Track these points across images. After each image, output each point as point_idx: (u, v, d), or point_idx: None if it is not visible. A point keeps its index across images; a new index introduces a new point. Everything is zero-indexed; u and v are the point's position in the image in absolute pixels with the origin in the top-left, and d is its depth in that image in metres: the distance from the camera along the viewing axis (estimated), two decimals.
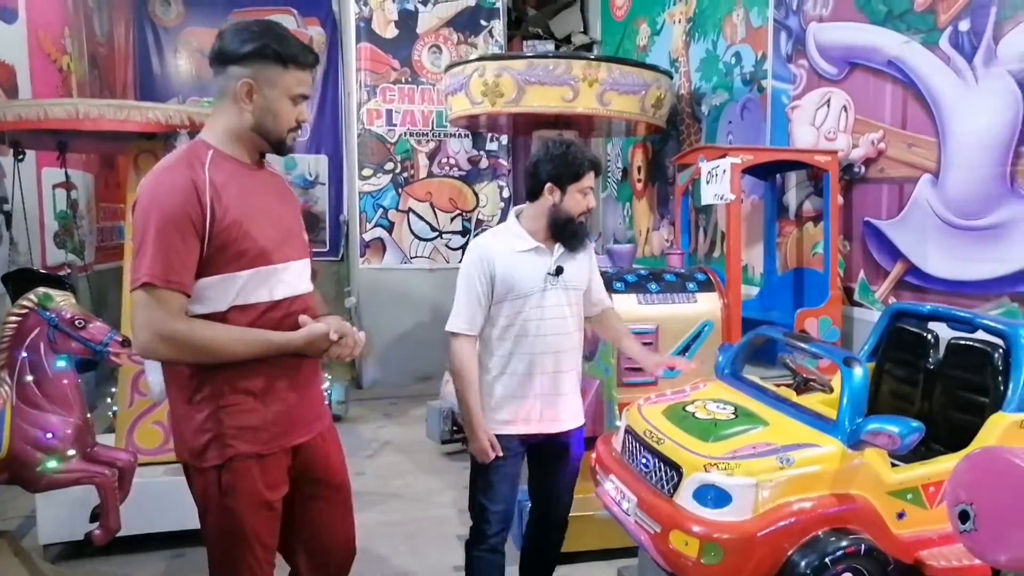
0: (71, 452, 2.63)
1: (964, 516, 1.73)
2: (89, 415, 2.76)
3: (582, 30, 8.09)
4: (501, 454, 2.48)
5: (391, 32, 6.99)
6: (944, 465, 2.32)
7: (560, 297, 2.49)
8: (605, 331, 2.84)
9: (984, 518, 1.69)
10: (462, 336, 2.49)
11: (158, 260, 1.67)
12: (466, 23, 7.12)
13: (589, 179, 2.49)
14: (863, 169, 4.04)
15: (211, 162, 1.76)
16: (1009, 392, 2.41)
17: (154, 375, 3.28)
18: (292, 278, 1.89)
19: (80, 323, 2.67)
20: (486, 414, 2.50)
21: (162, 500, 3.46)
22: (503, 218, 7.47)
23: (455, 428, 4.87)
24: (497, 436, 2.49)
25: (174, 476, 3.56)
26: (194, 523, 3.42)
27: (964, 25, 3.39)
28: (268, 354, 1.78)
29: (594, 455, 2.68)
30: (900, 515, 2.26)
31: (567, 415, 2.57)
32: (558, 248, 2.50)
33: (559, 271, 2.48)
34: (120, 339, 2.75)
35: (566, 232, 2.49)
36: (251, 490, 1.84)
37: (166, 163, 1.79)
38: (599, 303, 2.74)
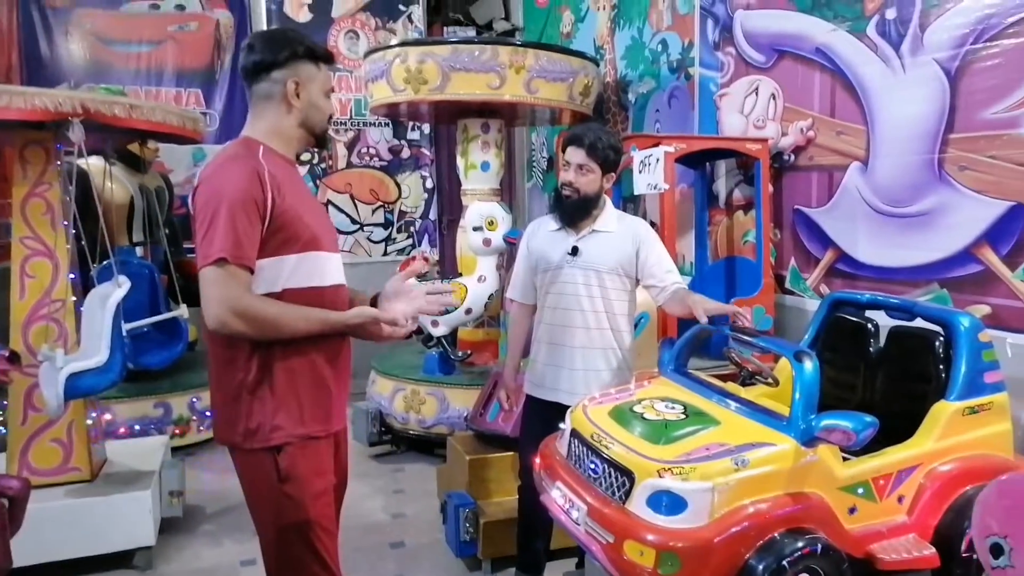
0: None
1: (997, 550, 1.62)
2: None
3: (503, 16, 7.93)
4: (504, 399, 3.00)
5: (304, 16, 6.66)
6: (894, 456, 2.30)
7: (576, 276, 2.66)
8: (679, 310, 2.62)
9: (1022, 552, 1.58)
10: (514, 302, 2.92)
11: (229, 238, 1.77)
12: (384, 7, 6.86)
13: (568, 153, 2.65)
14: (792, 157, 4.05)
15: (263, 155, 1.91)
16: (951, 380, 2.41)
17: (49, 389, 2.96)
18: (336, 268, 2.05)
19: None
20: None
21: (64, 525, 3.17)
22: (427, 210, 7.29)
23: (383, 429, 4.69)
24: (527, 395, 2.83)
25: (76, 498, 3.26)
26: (99, 548, 3.24)
27: (891, 13, 3.41)
28: (324, 331, 1.89)
29: (537, 459, 2.55)
30: (851, 510, 2.23)
31: (571, 389, 2.66)
32: (584, 230, 2.68)
33: (575, 251, 2.66)
34: (7, 354, 2.44)
35: (554, 204, 2.72)
36: (308, 475, 1.92)
37: (225, 155, 1.93)
38: (661, 287, 2.64)
